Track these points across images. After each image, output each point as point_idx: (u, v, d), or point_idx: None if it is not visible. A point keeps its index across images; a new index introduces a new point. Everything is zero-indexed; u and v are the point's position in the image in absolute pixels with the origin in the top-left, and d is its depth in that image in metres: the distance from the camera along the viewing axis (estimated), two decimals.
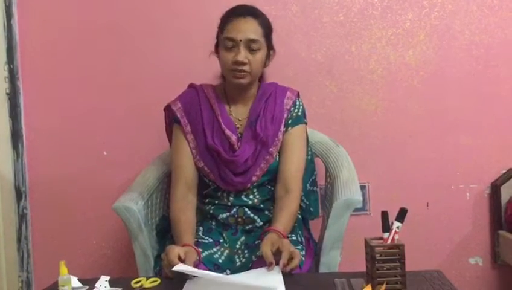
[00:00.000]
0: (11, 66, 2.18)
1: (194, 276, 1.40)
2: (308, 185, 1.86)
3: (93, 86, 2.23)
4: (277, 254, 1.47)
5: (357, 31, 2.22)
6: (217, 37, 1.76)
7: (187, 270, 1.40)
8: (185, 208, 1.70)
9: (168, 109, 1.83)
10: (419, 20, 2.21)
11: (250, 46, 1.67)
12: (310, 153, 1.88)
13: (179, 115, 1.78)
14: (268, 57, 1.76)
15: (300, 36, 2.22)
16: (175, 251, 1.47)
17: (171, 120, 1.83)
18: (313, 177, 1.90)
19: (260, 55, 1.70)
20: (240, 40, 1.66)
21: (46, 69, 2.23)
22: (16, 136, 2.20)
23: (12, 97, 2.19)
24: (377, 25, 2.21)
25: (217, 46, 1.77)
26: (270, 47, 1.75)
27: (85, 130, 2.24)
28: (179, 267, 1.41)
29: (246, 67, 1.67)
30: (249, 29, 1.68)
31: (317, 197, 1.93)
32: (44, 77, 2.24)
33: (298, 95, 1.84)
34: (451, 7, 2.21)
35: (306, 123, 1.83)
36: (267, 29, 1.74)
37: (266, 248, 1.47)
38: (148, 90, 2.22)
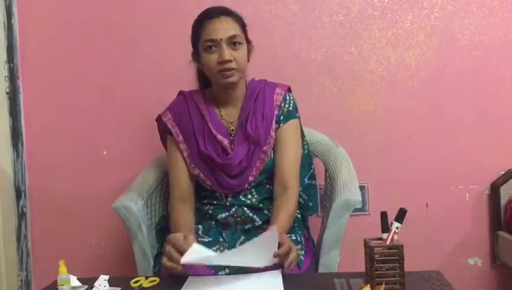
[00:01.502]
0: (11, 65, 2.18)
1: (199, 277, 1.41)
2: (306, 179, 1.85)
3: (93, 85, 2.24)
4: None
5: (357, 32, 2.22)
6: (194, 45, 1.75)
7: (196, 257, 1.40)
8: (183, 213, 1.71)
9: (159, 120, 1.83)
10: (419, 21, 2.21)
11: (232, 42, 1.67)
12: (306, 147, 1.87)
13: (169, 126, 1.77)
14: (249, 51, 1.75)
15: (300, 36, 2.22)
16: (175, 235, 1.48)
17: (163, 130, 1.83)
18: (311, 171, 1.89)
19: (243, 49, 1.70)
20: (221, 39, 1.65)
21: (46, 68, 2.24)
22: (15, 135, 2.20)
23: (12, 96, 2.19)
24: (376, 25, 2.21)
25: (193, 54, 1.76)
26: (248, 41, 1.75)
27: (85, 129, 2.25)
28: (187, 257, 1.40)
29: (232, 64, 1.66)
30: (226, 27, 1.67)
31: (317, 191, 1.91)
32: (44, 76, 2.24)
33: (289, 90, 1.82)
34: (451, 8, 2.21)
35: (299, 117, 1.82)
36: (243, 23, 1.74)
37: None
38: (148, 90, 2.22)
